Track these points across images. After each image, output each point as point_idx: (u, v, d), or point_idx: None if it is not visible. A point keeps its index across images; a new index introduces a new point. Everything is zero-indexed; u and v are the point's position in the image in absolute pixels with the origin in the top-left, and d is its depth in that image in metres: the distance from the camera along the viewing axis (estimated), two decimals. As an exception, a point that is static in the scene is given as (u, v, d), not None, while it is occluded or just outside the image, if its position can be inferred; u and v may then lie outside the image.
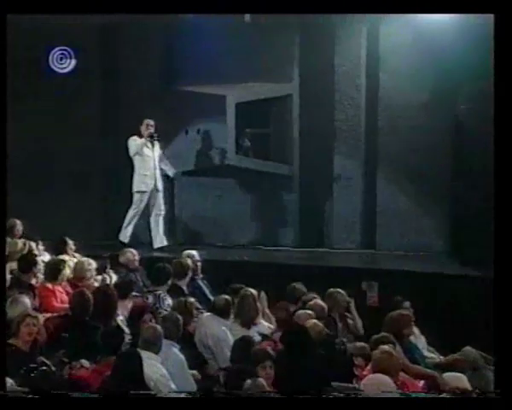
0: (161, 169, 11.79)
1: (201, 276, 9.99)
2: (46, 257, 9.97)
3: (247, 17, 11.64)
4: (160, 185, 11.73)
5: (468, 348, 8.30)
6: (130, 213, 11.77)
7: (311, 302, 8.57)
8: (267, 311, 8.94)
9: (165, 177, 11.95)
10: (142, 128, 11.63)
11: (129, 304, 8.61)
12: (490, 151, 9.90)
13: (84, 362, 7.23)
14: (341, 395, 5.93)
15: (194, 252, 10.17)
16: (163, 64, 12.74)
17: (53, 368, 6.82)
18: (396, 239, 12.19)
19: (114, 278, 9.59)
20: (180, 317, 7.64)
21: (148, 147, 11.63)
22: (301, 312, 8.33)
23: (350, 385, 7.22)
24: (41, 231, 10.55)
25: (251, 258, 11.46)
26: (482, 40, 9.72)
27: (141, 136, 11.60)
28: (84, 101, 12.68)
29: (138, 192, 11.68)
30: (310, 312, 8.26)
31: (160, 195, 11.79)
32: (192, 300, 8.61)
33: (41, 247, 10.29)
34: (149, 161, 11.66)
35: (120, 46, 12.83)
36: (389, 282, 10.39)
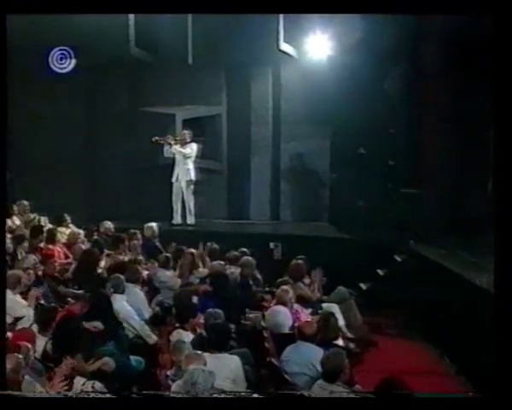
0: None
1: (157, 239, 9.81)
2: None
3: (190, 60, 11.66)
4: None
5: (340, 287, 8.49)
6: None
7: (243, 258, 8.30)
8: (208, 263, 8.66)
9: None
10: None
11: (108, 261, 8.55)
12: (355, 154, 10.30)
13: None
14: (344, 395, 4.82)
15: (153, 223, 9.99)
16: (130, 91, 12.58)
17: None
18: (294, 213, 12.33)
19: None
20: (139, 267, 7.70)
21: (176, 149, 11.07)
22: (215, 263, 8.27)
23: (260, 313, 7.18)
24: (47, 209, 10.44)
25: (196, 228, 11.23)
26: (347, 78, 10.03)
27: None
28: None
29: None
30: (221, 262, 8.19)
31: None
32: (141, 257, 8.60)
33: (47, 220, 10.20)
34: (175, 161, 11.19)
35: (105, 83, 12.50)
36: (289, 243, 10.46)
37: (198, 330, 6.47)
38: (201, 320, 6.63)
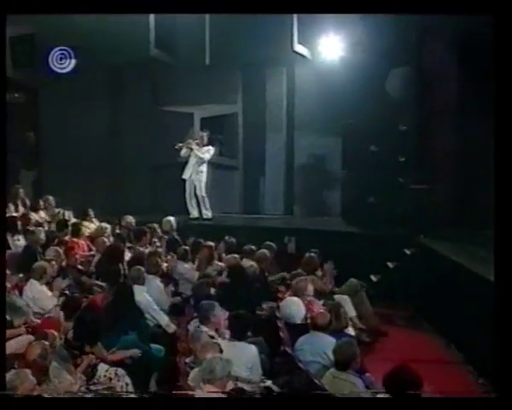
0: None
1: (175, 232, 9.83)
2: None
3: (208, 60, 11.72)
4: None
5: (351, 280, 8.47)
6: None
7: (259, 252, 8.25)
8: (223, 256, 8.67)
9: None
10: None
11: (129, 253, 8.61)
12: (367, 151, 10.32)
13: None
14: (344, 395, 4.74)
15: (171, 217, 10.02)
16: (150, 91, 12.65)
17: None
18: (307, 208, 12.32)
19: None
20: (158, 260, 7.73)
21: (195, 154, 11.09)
22: (229, 256, 8.29)
23: (275, 303, 7.20)
24: (71, 204, 10.55)
25: (213, 222, 11.25)
26: (359, 77, 10.04)
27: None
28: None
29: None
30: (236, 255, 8.19)
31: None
32: (160, 249, 8.56)
33: (71, 215, 10.31)
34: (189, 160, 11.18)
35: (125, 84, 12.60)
36: (303, 237, 10.44)
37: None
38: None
